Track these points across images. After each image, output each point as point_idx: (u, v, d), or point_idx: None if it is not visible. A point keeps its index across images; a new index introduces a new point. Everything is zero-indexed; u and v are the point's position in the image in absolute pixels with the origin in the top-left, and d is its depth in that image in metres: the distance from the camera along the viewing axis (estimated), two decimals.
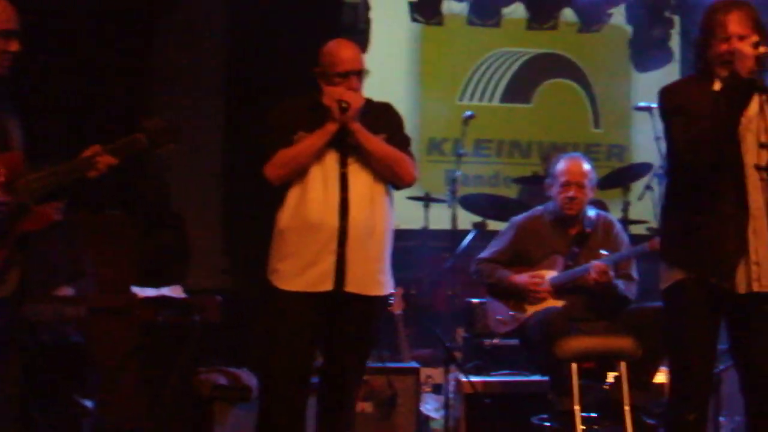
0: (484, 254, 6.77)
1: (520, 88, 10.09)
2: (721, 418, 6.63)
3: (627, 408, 5.85)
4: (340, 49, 5.12)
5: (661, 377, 6.15)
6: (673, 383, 4.76)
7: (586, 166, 6.63)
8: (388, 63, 9.59)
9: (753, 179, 4.50)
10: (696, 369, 4.62)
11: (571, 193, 6.52)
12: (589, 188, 6.60)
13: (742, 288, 4.51)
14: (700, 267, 4.57)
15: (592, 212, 6.65)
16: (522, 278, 6.50)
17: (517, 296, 6.55)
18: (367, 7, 9.64)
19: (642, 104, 7.97)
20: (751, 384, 4.67)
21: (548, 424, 6.23)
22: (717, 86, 4.58)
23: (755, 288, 4.51)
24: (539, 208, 6.79)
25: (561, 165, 6.63)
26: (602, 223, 6.66)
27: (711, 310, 4.59)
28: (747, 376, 4.70)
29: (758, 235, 4.51)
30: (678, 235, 4.68)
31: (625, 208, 8.43)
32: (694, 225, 4.58)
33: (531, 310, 6.46)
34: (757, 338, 4.60)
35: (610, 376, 6.20)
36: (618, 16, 10.27)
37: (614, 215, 7.17)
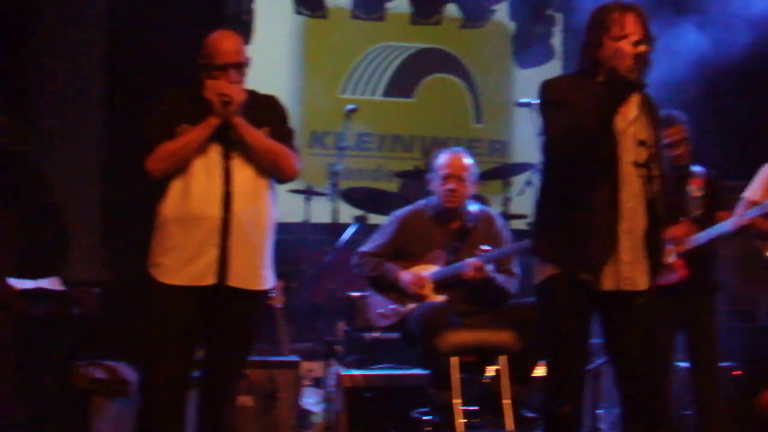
0: (365, 247, 6.79)
1: (402, 83, 10.09)
2: (599, 411, 6.74)
3: (506, 402, 5.92)
4: (219, 42, 5.07)
5: (540, 371, 6.22)
6: (548, 377, 4.81)
7: (467, 160, 6.70)
8: (272, 55, 9.55)
9: (629, 178, 4.55)
10: (569, 362, 4.65)
11: (451, 186, 6.57)
12: (469, 182, 6.66)
13: (608, 285, 4.56)
14: (569, 262, 4.61)
15: (474, 207, 6.71)
16: (406, 277, 6.53)
17: (399, 290, 6.58)
18: None
19: (523, 100, 8.02)
20: (623, 378, 4.74)
21: (428, 417, 6.26)
22: (598, 84, 4.63)
23: (624, 287, 4.56)
24: (422, 202, 6.82)
25: (442, 159, 6.68)
26: (484, 218, 6.73)
27: (582, 305, 4.63)
28: (619, 370, 4.78)
29: (632, 234, 4.56)
30: (550, 230, 4.71)
31: (506, 203, 8.51)
32: (565, 220, 4.62)
33: (412, 303, 6.50)
34: (626, 334, 4.66)
35: (491, 370, 6.26)
36: (501, 12, 10.36)
37: (495, 210, 7.23)
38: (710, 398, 6.44)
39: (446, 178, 6.60)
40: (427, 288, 6.51)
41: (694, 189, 6.51)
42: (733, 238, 6.61)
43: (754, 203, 6.65)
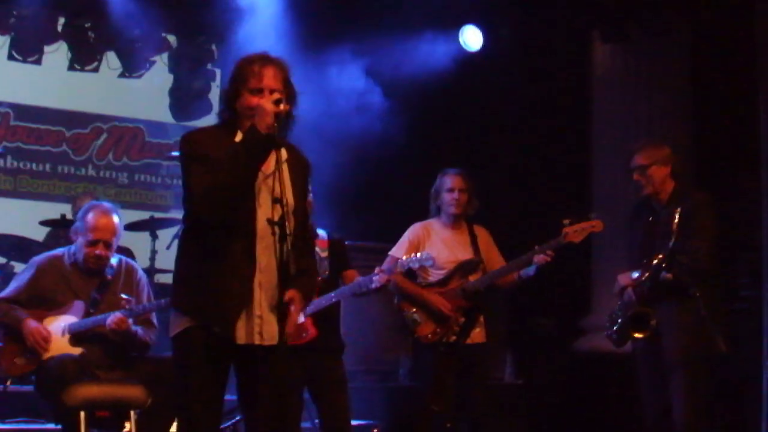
0: (2, 294, 6.50)
1: None
2: None
3: None
4: None
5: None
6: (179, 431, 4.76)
7: (116, 220, 6.50)
8: None
9: (263, 233, 4.56)
10: (201, 417, 4.59)
11: (98, 251, 6.39)
12: (115, 244, 6.51)
13: (241, 339, 4.56)
14: (203, 315, 4.59)
15: (114, 259, 6.54)
16: (30, 326, 6.26)
17: None
18: None
19: (175, 153, 8.03)
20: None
21: None
22: (239, 137, 4.62)
23: (257, 341, 4.56)
24: (61, 249, 6.59)
25: (91, 219, 6.43)
26: (125, 269, 6.57)
27: (216, 359, 4.60)
28: (248, 425, 4.79)
29: (264, 288, 4.58)
30: (186, 282, 4.69)
31: (153, 256, 8.44)
32: (201, 272, 4.61)
33: (47, 354, 6.26)
34: (256, 389, 4.64)
35: (127, 426, 6.13)
36: (161, 64, 10.32)
37: (141, 263, 7.12)
38: None
39: (94, 243, 6.40)
40: (61, 339, 6.29)
41: (320, 250, 6.64)
42: (375, 294, 6.80)
43: (398, 261, 6.89)
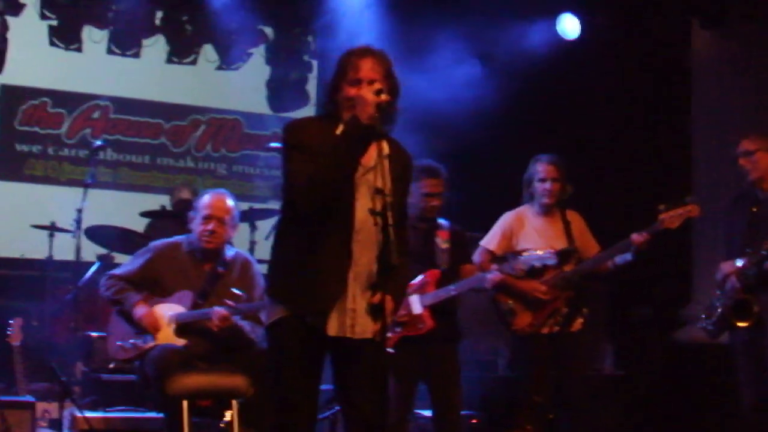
0: (117, 271, 6.56)
1: None
2: None
3: None
4: None
5: None
6: (275, 421, 4.73)
7: (229, 202, 6.58)
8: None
9: (364, 225, 4.53)
10: (296, 407, 4.58)
11: (211, 227, 6.44)
12: (230, 225, 6.54)
13: (333, 331, 4.54)
14: (297, 306, 4.57)
15: (231, 251, 6.59)
16: (140, 311, 6.35)
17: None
18: (5, 28, 9.37)
19: (274, 144, 8.05)
20: (349, 425, 4.73)
21: None
22: (340, 129, 4.59)
23: (348, 334, 4.54)
24: (181, 237, 6.65)
25: (205, 199, 6.54)
26: (240, 262, 6.59)
27: (310, 349, 4.59)
28: (346, 418, 4.77)
29: (359, 282, 4.55)
30: (282, 272, 4.69)
31: (251, 247, 8.47)
32: (297, 263, 4.59)
33: (152, 341, 6.32)
34: (352, 382, 4.63)
35: (228, 415, 6.17)
36: (258, 56, 10.40)
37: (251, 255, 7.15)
38: None
39: (207, 218, 6.47)
40: (167, 328, 6.34)
41: (442, 241, 6.59)
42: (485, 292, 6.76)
43: (491, 252, 6.82)
